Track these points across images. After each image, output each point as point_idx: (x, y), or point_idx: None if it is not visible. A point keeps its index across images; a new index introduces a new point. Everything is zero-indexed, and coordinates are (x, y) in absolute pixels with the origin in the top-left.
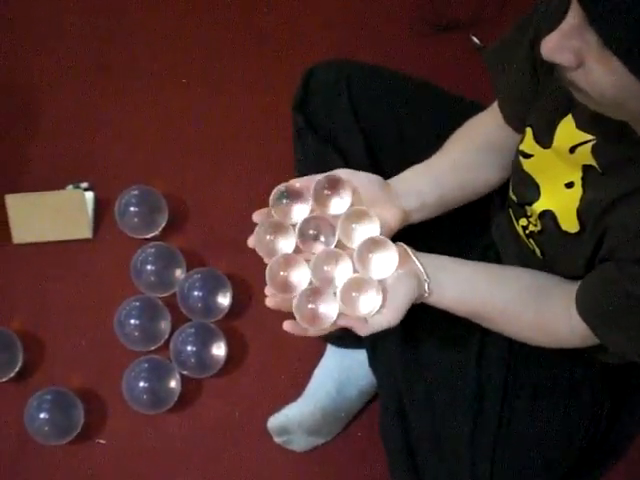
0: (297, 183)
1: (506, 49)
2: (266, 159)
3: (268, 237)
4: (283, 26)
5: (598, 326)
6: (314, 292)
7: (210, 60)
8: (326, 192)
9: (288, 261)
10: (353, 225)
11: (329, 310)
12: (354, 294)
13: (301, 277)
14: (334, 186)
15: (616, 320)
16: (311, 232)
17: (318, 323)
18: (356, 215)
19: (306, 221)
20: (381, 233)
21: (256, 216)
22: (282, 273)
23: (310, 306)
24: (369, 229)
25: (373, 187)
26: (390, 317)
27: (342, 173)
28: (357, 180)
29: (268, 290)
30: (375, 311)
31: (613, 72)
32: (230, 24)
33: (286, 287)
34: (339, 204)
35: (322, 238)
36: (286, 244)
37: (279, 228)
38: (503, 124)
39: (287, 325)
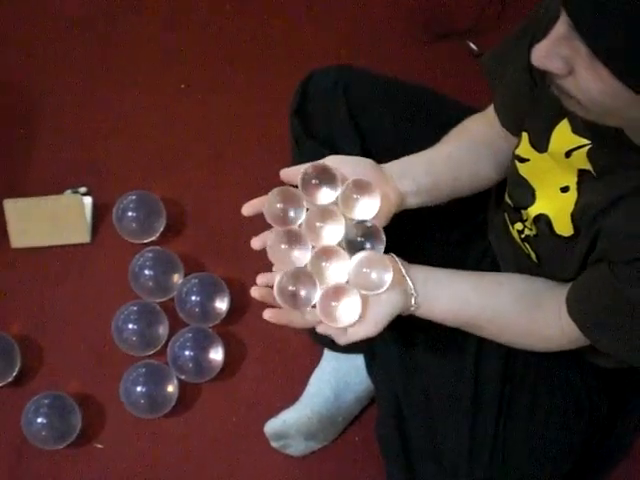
0: (283, 173)
1: (504, 55)
2: (264, 164)
3: (278, 205)
4: (282, 32)
5: (588, 327)
6: (295, 274)
7: (209, 66)
8: (314, 181)
9: (290, 238)
10: (355, 196)
11: (309, 294)
12: (333, 303)
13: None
14: (322, 175)
15: (606, 321)
16: (318, 224)
17: (298, 305)
18: (358, 186)
19: (311, 213)
20: (379, 212)
21: (246, 208)
22: (284, 246)
23: (291, 288)
24: (370, 202)
25: (364, 169)
26: (368, 329)
27: (330, 160)
28: (346, 164)
29: (260, 278)
30: (353, 322)
31: (602, 79)
32: (229, 30)
33: (287, 262)
34: (329, 193)
35: (327, 228)
36: (296, 212)
37: (289, 196)
38: (499, 128)
39: (267, 313)
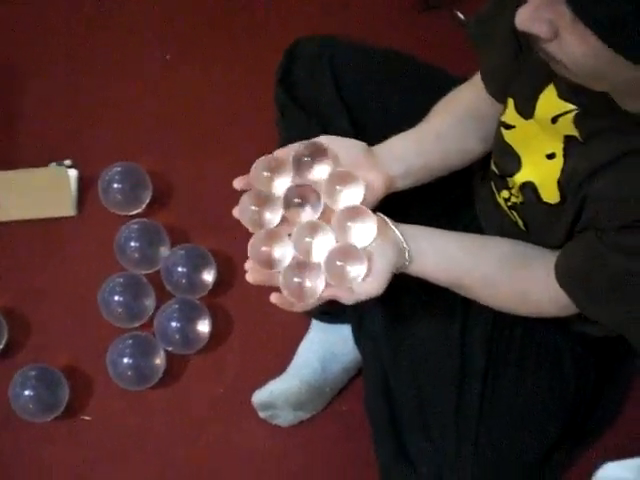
0: (275, 154)
1: (489, 20)
2: (250, 135)
3: (253, 208)
4: (268, 2)
5: (577, 294)
6: (300, 266)
7: (194, 36)
8: (306, 159)
9: (270, 236)
10: (337, 187)
11: (315, 283)
12: (339, 262)
13: (284, 252)
14: (314, 153)
15: (594, 288)
16: (296, 201)
17: (304, 297)
18: (340, 177)
19: (290, 190)
20: (366, 196)
21: (237, 182)
22: (264, 248)
23: (296, 280)
24: (354, 192)
25: (356, 152)
26: (375, 285)
27: (322, 140)
28: (338, 145)
29: (248, 265)
30: (361, 278)
31: (586, 42)
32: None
33: (269, 262)
34: (320, 171)
35: (308, 206)
36: (272, 215)
37: (264, 198)
38: (485, 95)
39: (274, 298)
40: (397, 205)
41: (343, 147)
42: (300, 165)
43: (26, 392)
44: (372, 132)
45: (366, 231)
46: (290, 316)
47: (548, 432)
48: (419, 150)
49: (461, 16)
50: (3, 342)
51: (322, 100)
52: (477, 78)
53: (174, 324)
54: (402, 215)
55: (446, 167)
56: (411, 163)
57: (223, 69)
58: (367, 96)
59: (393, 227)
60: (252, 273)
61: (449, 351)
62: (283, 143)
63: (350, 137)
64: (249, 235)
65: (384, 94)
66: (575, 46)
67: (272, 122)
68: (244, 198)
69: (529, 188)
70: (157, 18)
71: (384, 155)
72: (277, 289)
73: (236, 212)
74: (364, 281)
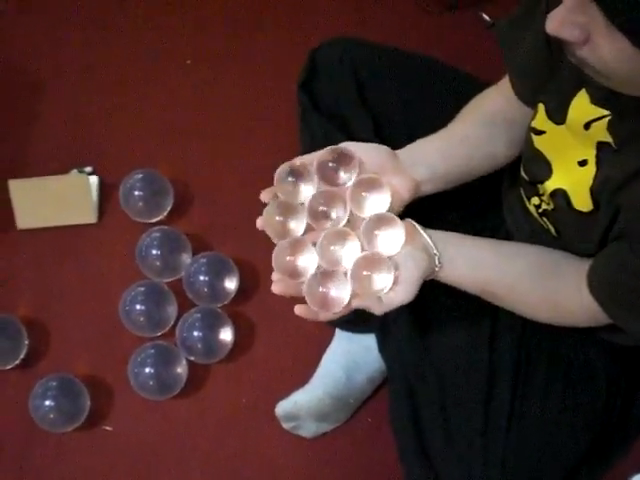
0: (299, 161)
1: (518, 23)
2: (272, 141)
3: (277, 218)
4: (289, 5)
5: (609, 304)
6: (324, 275)
7: (214, 41)
8: (331, 165)
9: (295, 245)
10: (364, 194)
11: (341, 293)
12: (365, 272)
13: (309, 261)
14: (339, 160)
15: (627, 299)
16: (321, 209)
17: (330, 307)
18: (366, 183)
19: (315, 197)
20: (392, 202)
21: (264, 195)
22: (289, 258)
23: (321, 289)
24: (380, 198)
25: (380, 157)
26: (404, 294)
27: (347, 145)
28: (363, 151)
29: (275, 276)
30: (388, 288)
31: (619, 46)
32: (234, 3)
33: (294, 272)
34: (345, 178)
35: (333, 214)
36: (297, 224)
37: (288, 208)
38: (514, 99)
39: (298, 309)
40: (423, 211)
41: (367, 152)
42: (325, 171)
43: (47, 402)
44: (395, 136)
45: (394, 239)
46: (314, 325)
47: (577, 446)
48: (444, 154)
49: (486, 17)
50: (24, 351)
51: (344, 105)
52: (505, 82)
53: (196, 333)
54: (427, 221)
55: (472, 172)
56: (436, 167)
57: (244, 75)
58: (390, 99)
59: (423, 233)
60: (278, 284)
61: (477, 360)
62: (304, 148)
63: (372, 142)
64: (272, 242)
65: (407, 97)
66: (607, 50)
67: (294, 128)
68: (268, 208)
69: (560, 195)
70: (177, 23)
71: (408, 159)
72: (303, 300)
73: (260, 223)
74: (393, 290)
